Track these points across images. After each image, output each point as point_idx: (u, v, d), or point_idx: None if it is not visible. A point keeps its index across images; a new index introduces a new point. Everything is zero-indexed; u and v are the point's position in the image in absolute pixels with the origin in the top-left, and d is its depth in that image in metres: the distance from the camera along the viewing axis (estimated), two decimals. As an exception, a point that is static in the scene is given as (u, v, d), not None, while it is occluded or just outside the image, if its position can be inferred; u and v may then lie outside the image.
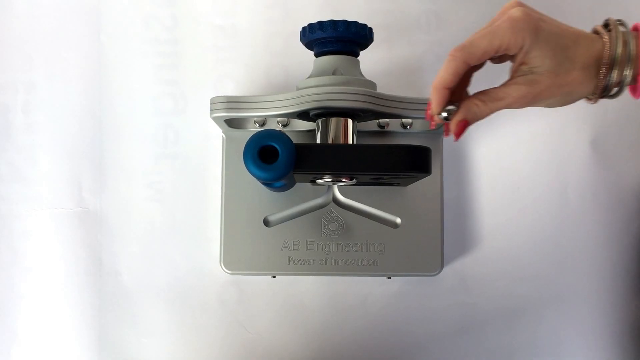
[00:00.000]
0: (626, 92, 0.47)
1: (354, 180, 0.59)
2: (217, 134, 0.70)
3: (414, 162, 0.54)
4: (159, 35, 0.73)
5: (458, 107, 0.46)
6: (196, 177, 0.72)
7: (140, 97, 0.73)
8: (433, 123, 0.48)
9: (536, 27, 0.43)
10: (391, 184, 0.66)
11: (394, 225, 0.67)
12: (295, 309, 0.72)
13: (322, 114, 0.58)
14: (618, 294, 0.72)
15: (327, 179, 0.58)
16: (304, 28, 0.59)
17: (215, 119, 0.62)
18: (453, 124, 0.46)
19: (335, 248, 0.67)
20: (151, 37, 0.73)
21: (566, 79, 0.44)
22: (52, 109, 0.73)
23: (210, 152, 0.72)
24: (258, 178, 0.54)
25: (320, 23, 0.57)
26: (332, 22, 0.56)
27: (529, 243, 0.72)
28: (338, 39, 0.57)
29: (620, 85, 0.45)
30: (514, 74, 0.45)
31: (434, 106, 0.45)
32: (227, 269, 0.67)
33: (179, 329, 0.72)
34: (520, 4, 0.45)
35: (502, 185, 0.73)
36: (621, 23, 0.46)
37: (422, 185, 0.67)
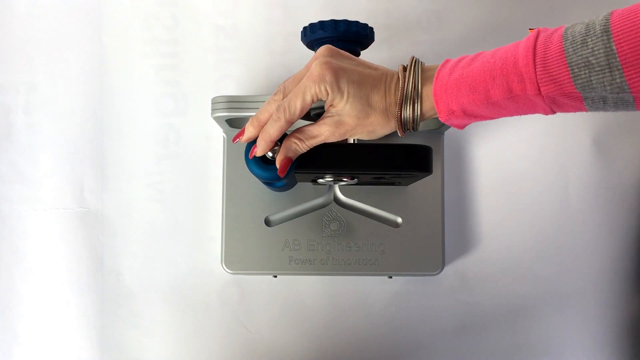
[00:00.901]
0: None
1: (355, 179, 0.59)
2: (218, 134, 0.70)
3: (415, 161, 0.54)
4: (160, 35, 0.74)
5: (280, 147, 0.51)
6: (197, 177, 0.72)
7: (141, 97, 0.73)
8: (252, 155, 0.53)
9: (336, 78, 0.47)
10: (392, 184, 0.66)
11: (395, 224, 0.67)
12: (297, 308, 0.72)
13: (323, 113, 0.58)
14: (618, 294, 0.72)
15: (328, 178, 0.58)
16: (305, 28, 0.59)
17: (217, 119, 0.62)
18: (278, 162, 0.51)
19: (337, 248, 0.67)
20: (152, 38, 0.73)
21: (367, 121, 0.48)
22: (53, 110, 0.73)
23: (211, 152, 0.72)
24: (259, 178, 0.54)
25: (321, 23, 0.57)
26: (333, 22, 0.56)
27: (530, 242, 0.72)
28: (339, 39, 0.57)
29: (415, 120, 0.48)
30: (326, 114, 0.50)
31: (260, 151, 0.51)
32: (228, 268, 0.67)
33: (180, 328, 0.72)
34: (327, 52, 0.49)
35: (503, 184, 0.73)
36: (417, 62, 0.48)
37: (423, 185, 0.67)
